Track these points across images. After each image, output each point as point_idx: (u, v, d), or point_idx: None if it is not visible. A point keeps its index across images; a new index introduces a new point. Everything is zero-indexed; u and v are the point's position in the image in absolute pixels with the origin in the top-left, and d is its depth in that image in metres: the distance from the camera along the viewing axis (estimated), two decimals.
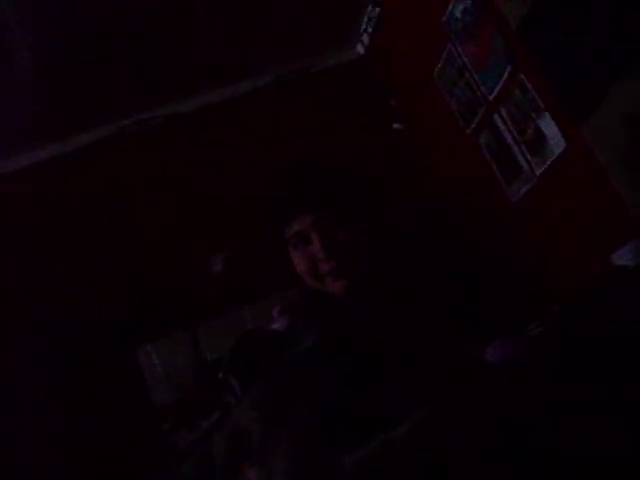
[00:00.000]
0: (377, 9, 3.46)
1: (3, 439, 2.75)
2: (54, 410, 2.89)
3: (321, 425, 0.87)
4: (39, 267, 3.12)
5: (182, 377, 2.99)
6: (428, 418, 0.82)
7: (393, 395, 0.87)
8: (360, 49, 3.76)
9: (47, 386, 2.93)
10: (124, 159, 3.38)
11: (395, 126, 3.59)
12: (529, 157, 2.55)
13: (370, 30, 3.63)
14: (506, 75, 2.54)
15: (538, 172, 2.53)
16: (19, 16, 2.57)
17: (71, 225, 3.23)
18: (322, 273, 1.05)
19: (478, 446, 0.81)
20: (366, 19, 3.59)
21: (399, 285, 1.10)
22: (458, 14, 2.74)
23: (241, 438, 0.92)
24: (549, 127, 2.38)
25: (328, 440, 0.85)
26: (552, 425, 0.85)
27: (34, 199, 3.25)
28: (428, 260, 1.20)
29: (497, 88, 2.62)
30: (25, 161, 3.32)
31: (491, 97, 2.69)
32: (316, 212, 1.05)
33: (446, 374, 0.89)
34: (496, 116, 2.69)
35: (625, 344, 1.09)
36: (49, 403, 2.90)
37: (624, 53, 1.96)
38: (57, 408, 2.90)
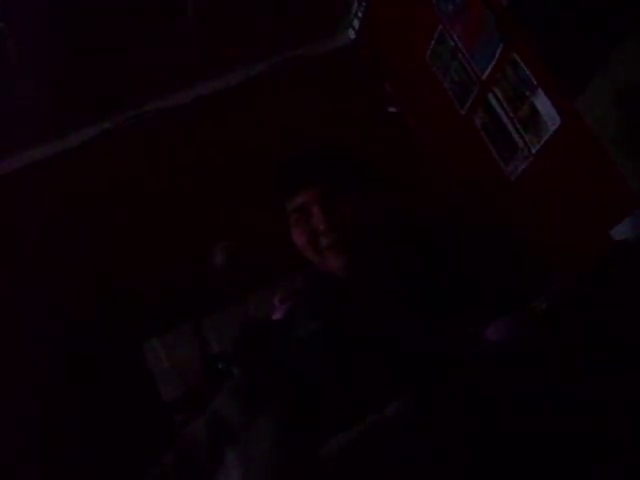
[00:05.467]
0: None
1: (5, 439, 2.76)
2: (59, 408, 2.91)
3: (307, 410, 0.87)
4: (41, 265, 3.13)
5: (189, 370, 3.01)
6: (415, 400, 0.82)
7: (387, 379, 0.87)
8: (351, 34, 3.74)
9: (52, 384, 2.94)
10: (121, 155, 3.38)
11: (390, 109, 3.58)
12: (525, 135, 2.55)
13: (360, 14, 3.61)
14: (498, 54, 2.53)
15: (534, 150, 2.53)
16: (11, 18, 2.57)
17: (71, 222, 3.24)
18: (322, 247, 1.03)
19: (472, 428, 0.81)
20: (356, 3, 3.58)
21: (398, 266, 1.09)
22: None
23: (221, 426, 0.93)
24: (543, 104, 2.38)
25: (312, 426, 0.85)
26: (554, 405, 0.86)
27: (34, 198, 3.25)
28: (427, 242, 1.20)
29: (489, 67, 2.62)
30: (22, 161, 3.32)
31: (484, 77, 2.68)
32: (318, 185, 1.03)
33: (443, 356, 0.89)
34: (490, 95, 2.68)
35: (626, 318, 1.09)
36: (54, 402, 2.91)
37: (616, 27, 1.95)
38: (63, 406, 2.92)
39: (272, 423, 0.87)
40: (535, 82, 2.38)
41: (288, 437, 0.86)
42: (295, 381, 0.92)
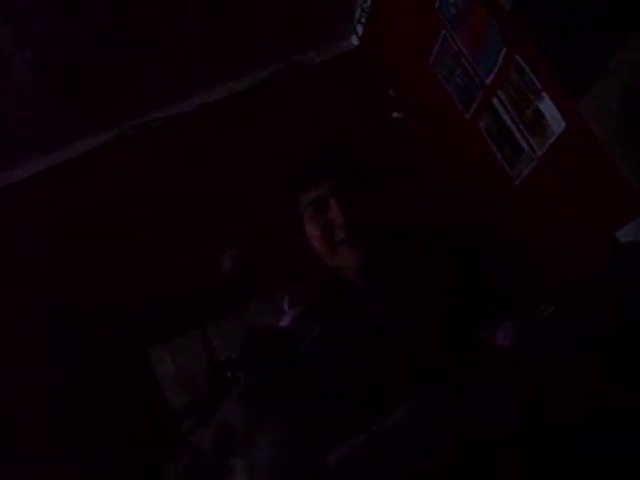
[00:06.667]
0: None
1: (6, 448, 2.76)
2: (63, 415, 2.90)
3: (311, 417, 0.87)
4: (46, 272, 3.14)
5: (195, 378, 3.00)
6: (417, 409, 0.81)
7: (392, 383, 0.86)
8: (355, 40, 3.75)
9: (55, 392, 2.94)
10: (126, 164, 3.39)
11: (394, 115, 3.59)
12: (530, 139, 2.55)
13: (363, 20, 3.62)
14: (502, 58, 2.54)
15: (540, 153, 2.53)
16: (14, 25, 2.59)
17: (76, 231, 3.24)
18: (337, 241, 1.02)
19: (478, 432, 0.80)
20: (359, 9, 3.58)
21: (410, 266, 1.08)
22: None
23: (227, 432, 0.92)
24: (548, 107, 2.38)
25: (316, 432, 0.85)
26: (567, 407, 0.85)
27: (38, 208, 3.26)
28: (433, 246, 1.19)
29: (494, 71, 2.62)
30: (26, 172, 3.33)
31: (488, 81, 2.69)
32: (335, 178, 1.04)
33: (452, 363, 0.88)
34: (494, 99, 2.69)
35: (632, 319, 1.09)
36: (58, 409, 2.91)
37: (618, 28, 1.95)
38: (67, 413, 2.92)
39: (277, 430, 0.87)
40: (539, 86, 2.38)
41: (292, 444, 0.86)
42: (300, 387, 0.92)
